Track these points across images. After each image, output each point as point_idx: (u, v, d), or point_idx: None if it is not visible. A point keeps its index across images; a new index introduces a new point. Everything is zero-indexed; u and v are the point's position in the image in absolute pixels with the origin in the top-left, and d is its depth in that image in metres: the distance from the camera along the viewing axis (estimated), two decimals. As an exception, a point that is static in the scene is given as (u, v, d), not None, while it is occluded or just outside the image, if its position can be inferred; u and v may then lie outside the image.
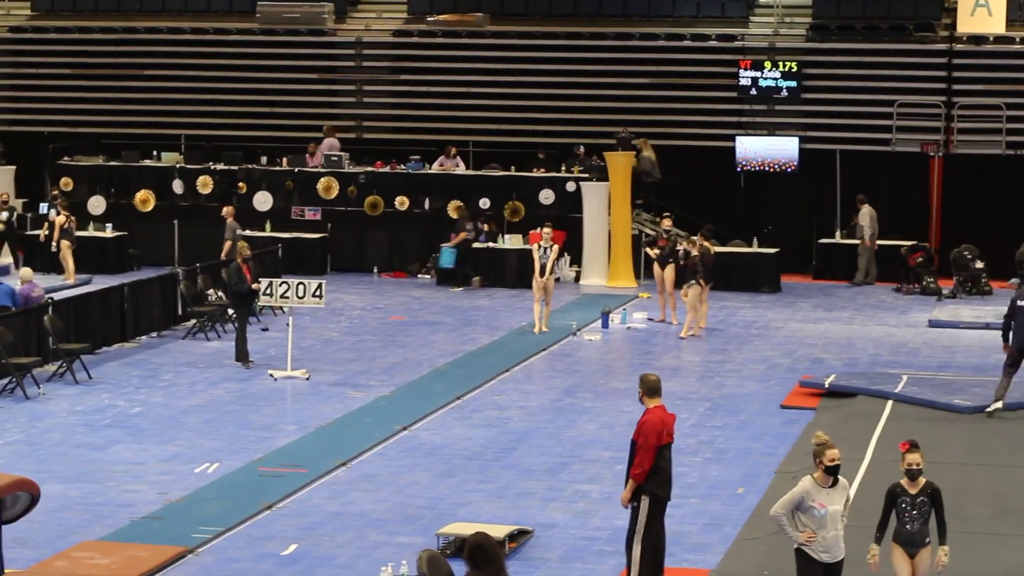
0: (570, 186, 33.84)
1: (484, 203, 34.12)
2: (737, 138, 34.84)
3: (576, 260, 33.51)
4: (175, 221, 34.82)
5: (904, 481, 12.19)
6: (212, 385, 22.71)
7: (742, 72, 34.86)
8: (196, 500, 16.61)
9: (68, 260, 31.79)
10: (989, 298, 31.57)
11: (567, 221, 33.41)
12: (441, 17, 36.75)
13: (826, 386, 22.00)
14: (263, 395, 22.09)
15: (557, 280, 30.42)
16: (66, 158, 36.37)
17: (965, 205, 34.33)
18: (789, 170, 34.59)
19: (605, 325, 27.81)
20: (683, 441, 18.17)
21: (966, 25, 34.12)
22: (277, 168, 35.21)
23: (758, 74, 34.80)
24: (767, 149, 34.73)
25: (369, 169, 34.95)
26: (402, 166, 35.04)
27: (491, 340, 26.59)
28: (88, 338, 24.14)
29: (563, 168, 34.60)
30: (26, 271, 25.70)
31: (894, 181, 34.78)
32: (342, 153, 35.19)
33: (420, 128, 36.65)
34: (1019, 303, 20.78)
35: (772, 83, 34.77)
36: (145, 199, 35.12)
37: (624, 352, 26.12)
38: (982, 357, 25.45)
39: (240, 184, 34.99)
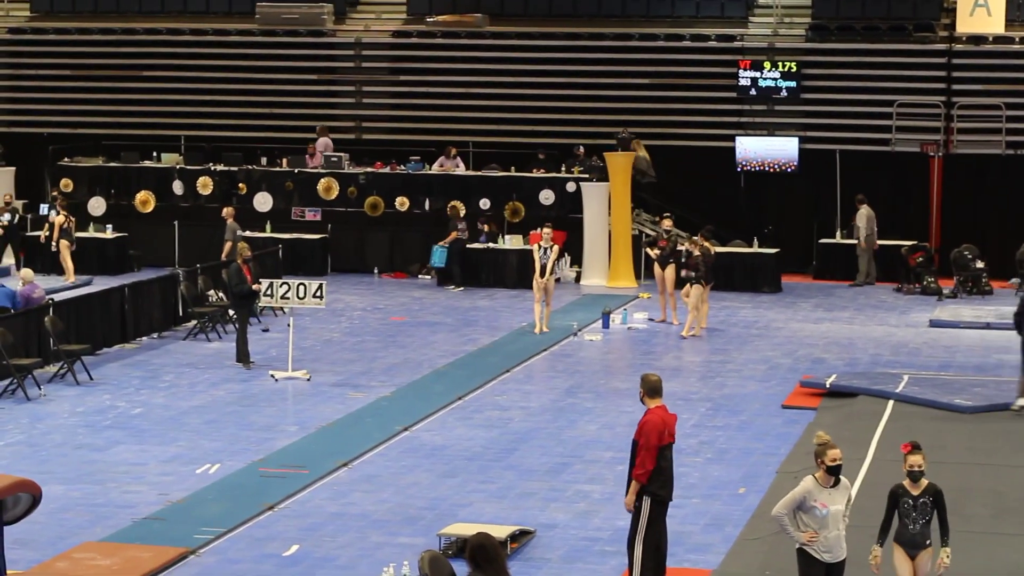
0: (570, 186, 33.84)
1: (484, 204, 34.12)
2: (737, 138, 34.85)
3: (576, 260, 33.51)
4: (175, 222, 34.82)
5: (906, 482, 12.19)
6: (213, 386, 22.71)
7: (742, 72, 34.87)
8: (197, 501, 16.62)
9: (67, 260, 31.81)
10: (990, 298, 31.60)
11: (567, 221, 33.41)
12: (440, 18, 36.76)
13: (827, 386, 22.00)
14: (264, 396, 22.09)
15: (557, 280, 30.42)
16: (66, 159, 36.38)
17: (965, 205, 34.34)
18: (789, 170, 34.59)
19: (606, 325, 27.82)
20: (684, 441, 18.17)
21: (965, 25, 34.13)
22: (277, 169, 35.22)
23: (758, 74, 34.81)
24: (767, 149, 34.74)
25: (369, 170, 34.96)
26: (402, 167, 35.05)
27: (492, 340, 26.59)
28: (89, 339, 24.15)
29: (563, 168, 34.60)
30: (27, 272, 25.69)
31: (894, 181, 34.78)
32: (342, 154, 35.19)
33: (420, 129, 36.66)
34: None
35: (772, 83, 34.78)
36: (145, 200, 35.12)
37: (625, 352, 26.12)
38: (983, 357, 25.46)
39: (240, 185, 34.99)
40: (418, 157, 35.22)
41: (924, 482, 12.17)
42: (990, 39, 34.50)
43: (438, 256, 32.97)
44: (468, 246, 33.09)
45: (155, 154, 36.27)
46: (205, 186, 34.98)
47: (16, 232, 33.37)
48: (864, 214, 33.03)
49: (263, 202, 34.78)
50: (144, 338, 26.24)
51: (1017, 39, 34.52)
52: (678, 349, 26.20)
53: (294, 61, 37.25)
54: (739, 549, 15.10)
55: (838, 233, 34.20)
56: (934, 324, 28.51)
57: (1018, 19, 34.68)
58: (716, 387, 23.02)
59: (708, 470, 18.22)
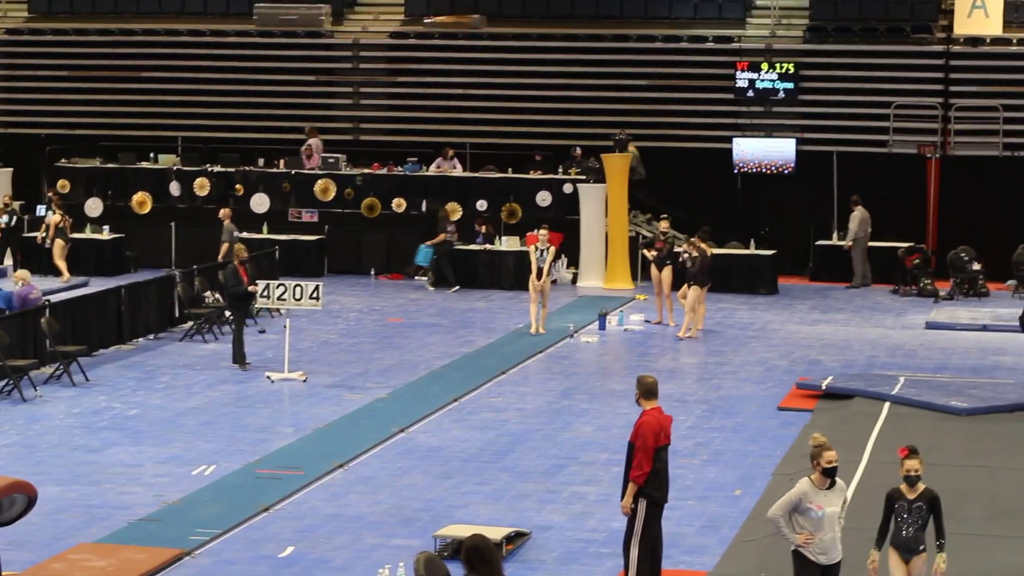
0: (567, 188, 33.85)
1: (481, 205, 34.12)
2: (734, 140, 34.85)
3: (573, 262, 33.50)
4: (172, 223, 34.81)
5: (903, 486, 12.19)
6: (209, 387, 22.70)
7: (739, 74, 34.88)
8: (193, 502, 16.61)
9: (60, 260, 31.83)
10: (986, 300, 31.62)
11: (564, 223, 33.40)
12: (438, 19, 36.76)
13: (823, 388, 22.01)
14: (260, 397, 22.08)
15: (554, 282, 30.42)
16: (63, 160, 36.37)
17: (962, 207, 34.35)
18: (786, 172, 34.59)
19: (602, 327, 27.81)
20: (680, 443, 18.16)
21: (963, 27, 34.13)
22: (274, 170, 35.21)
23: (755, 76, 34.81)
24: (764, 151, 34.73)
25: (366, 171, 34.95)
26: (399, 168, 35.05)
27: (488, 342, 26.59)
28: (85, 340, 24.14)
29: (560, 170, 34.60)
30: (23, 273, 25.67)
31: (891, 183, 34.78)
32: (339, 155, 35.19)
33: (417, 130, 36.66)
34: None
35: (769, 85, 34.78)
36: (142, 201, 35.11)
37: (621, 354, 26.12)
38: (979, 359, 25.46)
39: (237, 186, 34.98)
40: (415, 158, 35.22)
41: (921, 486, 12.17)
42: (988, 41, 34.51)
43: (423, 255, 33.01)
44: (466, 247, 33.07)
45: (152, 155, 36.28)
46: (202, 187, 34.98)
47: (14, 233, 33.36)
48: (858, 216, 33.03)
49: (260, 203, 34.77)
50: (140, 339, 26.24)
51: (1015, 41, 34.53)
52: (674, 351, 26.20)
53: (291, 62, 37.25)
54: (735, 551, 15.10)
55: (835, 235, 34.20)
56: (930, 326, 28.51)
57: (1016, 21, 34.70)
58: (712, 389, 23.02)
59: (704, 472, 18.22)
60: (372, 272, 34.41)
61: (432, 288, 32.64)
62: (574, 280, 33.34)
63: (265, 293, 23.83)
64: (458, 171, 35.26)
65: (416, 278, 33.74)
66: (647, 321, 28.43)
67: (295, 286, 23.65)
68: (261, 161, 35.61)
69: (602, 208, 33.10)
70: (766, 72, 34.76)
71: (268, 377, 23.21)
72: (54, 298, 26.00)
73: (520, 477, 17.90)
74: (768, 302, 31.46)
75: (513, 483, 17.63)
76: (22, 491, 9.65)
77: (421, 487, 17.40)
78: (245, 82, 37.20)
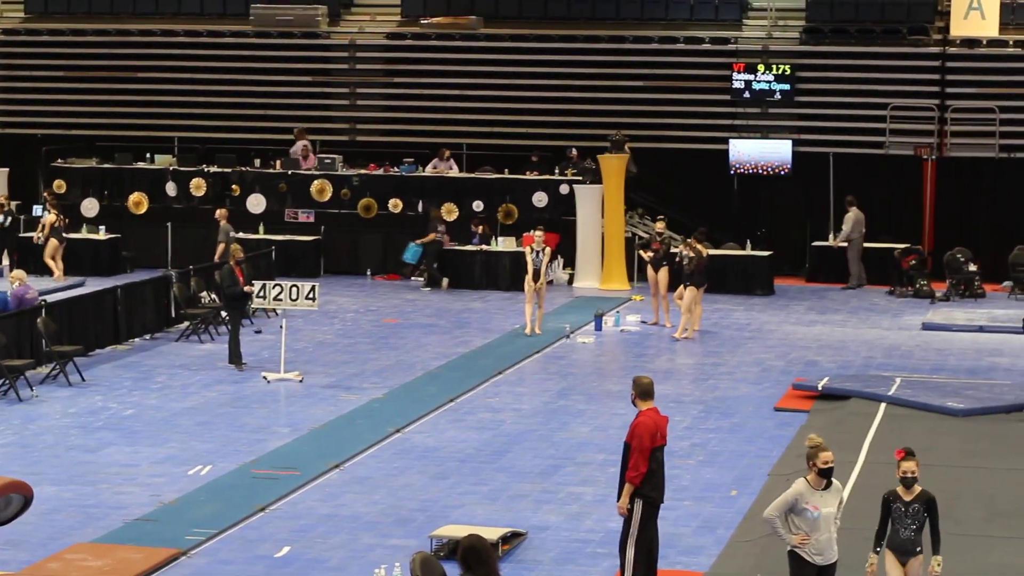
0: (563, 189, 33.85)
1: (478, 206, 34.12)
2: (730, 141, 34.85)
3: (570, 263, 33.50)
4: (168, 223, 34.78)
5: (899, 488, 12.19)
6: (205, 387, 22.70)
7: (735, 75, 34.88)
8: (189, 502, 16.61)
9: (51, 259, 31.85)
10: (982, 301, 31.62)
11: (560, 224, 33.40)
12: (434, 20, 36.75)
13: (819, 389, 22.01)
14: (256, 397, 22.08)
15: (550, 283, 30.45)
16: (59, 160, 36.34)
17: (958, 208, 34.36)
18: (782, 173, 34.59)
19: (598, 328, 27.81)
20: (676, 444, 18.17)
21: (959, 28, 34.12)
22: (271, 171, 35.19)
23: (751, 77, 34.82)
24: (760, 152, 34.74)
25: (363, 172, 34.93)
26: (395, 169, 35.03)
27: (484, 343, 26.59)
28: (81, 340, 24.13)
29: (556, 171, 34.60)
30: (19, 273, 25.65)
31: (887, 184, 34.78)
32: (335, 156, 35.18)
33: (414, 131, 36.64)
34: None
35: (765, 86, 34.78)
36: (138, 201, 35.09)
37: (617, 355, 26.12)
38: (975, 360, 25.47)
39: (233, 186, 34.96)
40: (412, 159, 35.21)
41: (917, 488, 12.17)
42: (984, 42, 34.51)
43: (411, 253, 33.02)
44: (462, 248, 33.08)
45: (148, 155, 36.26)
46: (198, 187, 34.96)
47: (10, 233, 33.34)
48: (852, 217, 33.03)
49: (256, 204, 34.75)
50: (136, 339, 26.22)
51: (1011, 42, 34.53)
52: (671, 351, 26.20)
53: (288, 63, 37.23)
54: (731, 551, 15.11)
55: (831, 236, 34.18)
56: (927, 327, 28.52)
57: (1012, 22, 34.70)
58: (708, 389, 23.02)
59: (700, 472, 18.23)
60: (368, 272, 34.39)
61: (427, 289, 32.64)
62: (570, 281, 33.34)
63: (261, 293, 23.82)
64: (454, 172, 35.26)
65: (412, 279, 33.72)
66: (643, 322, 28.43)
67: (291, 286, 23.64)
68: (257, 162, 35.59)
69: (598, 209, 33.09)
70: (762, 73, 34.77)
71: (264, 377, 23.21)
72: (50, 298, 25.97)
73: (516, 477, 17.90)
74: (764, 303, 31.46)
75: (509, 483, 17.63)
76: (18, 491, 9.65)
77: (417, 487, 17.40)
78: (242, 83, 37.18)
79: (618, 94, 35.66)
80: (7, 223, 33.33)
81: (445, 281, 32.58)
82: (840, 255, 33.47)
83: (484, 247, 33.08)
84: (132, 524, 15.79)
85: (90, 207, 35.17)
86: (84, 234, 33.84)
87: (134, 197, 35.12)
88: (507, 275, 32.42)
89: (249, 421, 20.56)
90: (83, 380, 22.84)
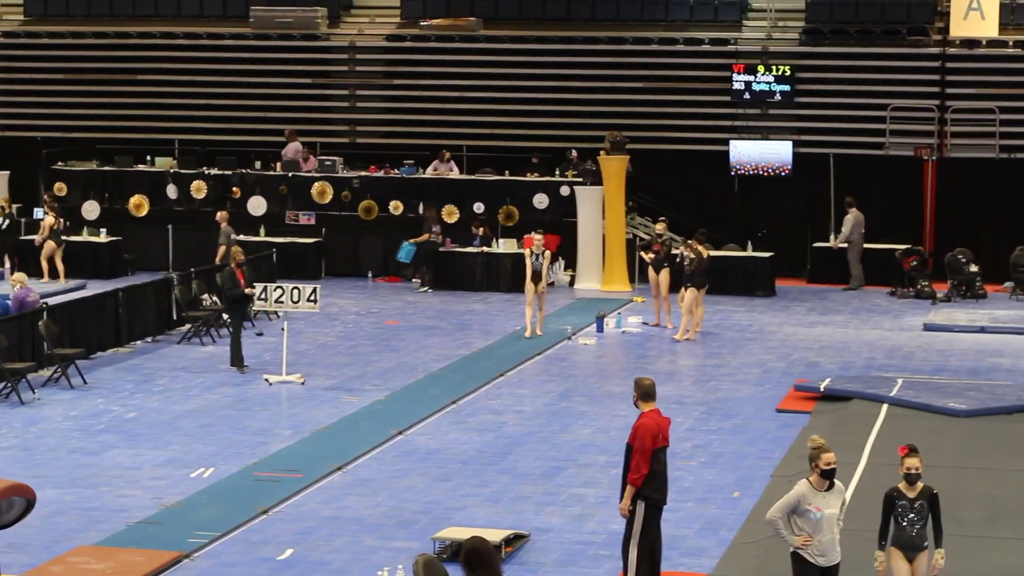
0: (564, 190, 33.85)
1: (478, 207, 34.11)
2: (731, 142, 34.84)
3: (571, 264, 33.50)
4: (169, 226, 34.79)
5: (902, 485, 12.20)
6: (207, 390, 22.70)
7: (735, 76, 34.88)
8: (191, 505, 16.61)
9: (44, 262, 31.87)
10: (983, 302, 31.62)
11: (561, 225, 33.41)
12: (434, 22, 36.74)
13: (821, 390, 22.01)
14: (258, 400, 22.08)
15: (551, 285, 30.47)
16: (60, 163, 36.34)
17: (959, 208, 34.37)
18: (783, 174, 34.59)
19: (600, 329, 27.81)
20: (678, 445, 18.17)
21: (959, 29, 34.11)
22: (271, 173, 35.19)
23: (751, 78, 34.81)
24: (761, 153, 34.73)
25: (363, 174, 34.93)
26: (396, 171, 35.03)
27: (486, 344, 26.59)
28: (83, 343, 24.14)
29: (557, 172, 34.60)
30: (20, 276, 25.64)
31: (888, 185, 34.78)
32: (336, 158, 35.18)
33: (414, 132, 36.64)
34: None
35: (765, 87, 34.78)
36: (139, 204, 35.09)
37: (619, 356, 26.12)
38: (977, 361, 25.47)
39: (234, 189, 34.96)
40: (412, 161, 35.20)
41: (920, 485, 12.19)
42: (983, 43, 34.51)
43: (404, 252, 33.03)
44: (462, 250, 33.08)
45: (149, 158, 36.24)
46: (199, 190, 34.97)
47: (10, 236, 33.34)
48: (851, 218, 33.03)
49: (257, 206, 34.75)
50: (138, 342, 26.23)
51: (1010, 43, 34.53)
52: (672, 353, 26.20)
53: (288, 65, 37.23)
54: (733, 553, 15.11)
55: (832, 237, 34.18)
56: (928, 328, 28.52)
57: (1012, 23, 34.69)
58: (710, 391, 23.02)
59: (702, 474, 18.23)
60: (369, 274, 34.40)
61: (424, 290, 32.63)
62: (571, 282, 33.34)
63: (263, 296, 23.83)
64: (455, 174, 35.25)
65: (413, 280, 33.72)
66: (645, 323, 28.44)
67: (292, 289, 23.64)
68: (258, 164, 35.58)
69: (599, 210, 33.09)
70: (762, 74, 34.76)
71: (266, 380, 23.21)
72: (52, 301, 25.97)
73: (519, 479, 17.90)
74: (766, 304, 31.46)
75: (512, 485, 17.64)
76: (21, 494, 9.64)
77: (420, 489, 17.40)
78: (241, 85, 37.17)
79: (618, 95, 35.65)
80: (5, 226, 33.29)
81: (425, 288, 32.63)
82: (841, 256, 33.46)
83: (485, 249, 33.08)
84: (134, 527, 15.80)
85: (91, 210, 35.16)
86: (85, 237, 33.85)
87: (135, 200, 35.12)
88: (508, 277, 32.42)
89: (251, 423, 20.57)
90: (85, 383, 22.84)
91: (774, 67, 34.74)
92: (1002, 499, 16.95)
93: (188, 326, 26.84)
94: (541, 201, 33.99)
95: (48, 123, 38.05)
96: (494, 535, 14.67)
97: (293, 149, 35.37)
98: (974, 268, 32.21)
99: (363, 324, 28.67)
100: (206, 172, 35.21)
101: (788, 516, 11.92)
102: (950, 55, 34.69)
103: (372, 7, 38.60)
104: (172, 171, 35.44)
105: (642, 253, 29.66)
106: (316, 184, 34.64)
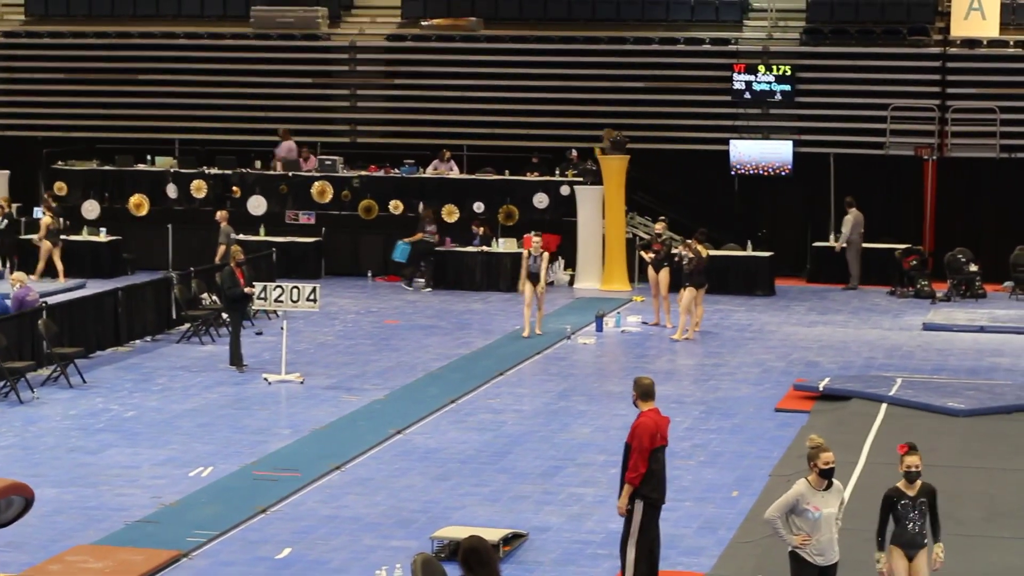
0: (564, 190, 33.85)
1: (478, 207, 34.12)
2: (731, 142, 34.85)
3: (570, 264, 33.50)
4: (169, 225, 34.79)
5: (902, 484, 12.19)
6: (206, 389, 22.70)
7: (736, 76, 34.88)
8: (190, 504, 16.61)
9: (43, 261, 31.88)
10: (983, 301, 31.63)
11: (561, 225, 33.42)
12: (435, 21, 36.75)
13: (820, 389, 22.01)
14: (257, 399, 22.08)
15: (551, 284, 30.49)
16: (60, 162, 36.35)
17: (959, 208, 34.36)
18: (783, 174, 34.59)
19: (599, 328, 27.81)
20: (677, 444, 18.17)
21: (960, 29, 34.11)
22: (271, 172, 35.20)
23: (752, 78, 34.82)
24: (761, 153, 34.74)
25: (363, 173, 34.94)
26: (396, 170, 35.04)
27: (485, 344, 26.59)
28: (82, 342, 24.14)
29: (557, 172, 34.61)
30: (19, 275, 25.64)
31: (888, 185, 34.80)
32: (336, 157, 35.19)
33: (414, 132, 36.65)
34: None
35: (766, 87, 34.78)
36: (139, 203, 35.10)
37: (618, 355, 26.12)
38: (976, 360, 25.47)
39: (234, 188, 34.96)
40: (412, 160, 35.21)
41: (919, 483, 12.19)
42: (984, 43, 34.52)
43: (400, 251, 33.04)
44: (462, 249, 33.09)
45: (149, 157, 36.26)
46: (199, 189, 34.97)
47: (10, 235, 33.35)
48: (851, 219, 33.02)
49: (257, 205, 34.76)
50: (137, 341, 26.23)
51: (1011, 43, 34.54)
52: (671, 352, 26.20)
53: (288, 65, 37.24)
54: (732, 552, 15.11)
55: (832, 237, 34.18)
56: (927, 327, 28.52)
57: (1012, 23, 34.71)
58: (709, 390, 23.02)
59: (701, 473, 18.23)
60: (369, 274, 34.40)
61: (429, 288, 32.68)
62: (571, 282, 33.35)
63: (262, 295, 23.83)
64: (455, 173, 35.26)
65: (415, 280, 33.71)
66: (644, 323, 28.44)
67: (292, 288, 23.64)
68: (258, 163, 35.60)
69: (599, 210, 33.10)
70: (763, 74, 34.77)
71: (265, 379, 23.21)
72: (51, 300, 25.97)
73: (517, 478, 17.90)
74: (765, 303, 31.46)
75: (510, 484, 17.64)
76: (19, 493, 9.64)
77: (418, 488, 17.40)
78: (242, 85, 37.18)
79: (619, 95, 35.66)
80: (4, 225, 33.28)
81: (415, 279, 32.73)
82: (840, 256, 33.45)
83: (485, 248, 33.08)
84: (133, 526, 15.80)
85: (91, 209, 35.17)
86: (85, 236, 33.85)
87: (135, 199, 35.13)
88: (508, 276, 32.42)
89: (250, 423, 20.57)
90: (84, 382, 22.84)
91: (775, 67, 34.76)
92: (1001, 498, 16.94)
93: (187, 325, 26.84)
94: (541, 201, 34.00)
95: (48, 122, 38.07)
96: (492, 534, 14.67)
97: (286, 148, 35.38)
98: (974, 268, 32.22)
99: (362, 323, 28.67)
100: (206, 171, 35.22)
101: (786, 515, 11.92)
102: (951, 55, 34.69)
103: (373, 7, 38.61)
104: (172, 170, 35.45)
105: (642, 252, 29.66)
106: (316, 184, 34.65)
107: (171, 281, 27.53)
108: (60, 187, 35.42)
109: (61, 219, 32.88)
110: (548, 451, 19.22)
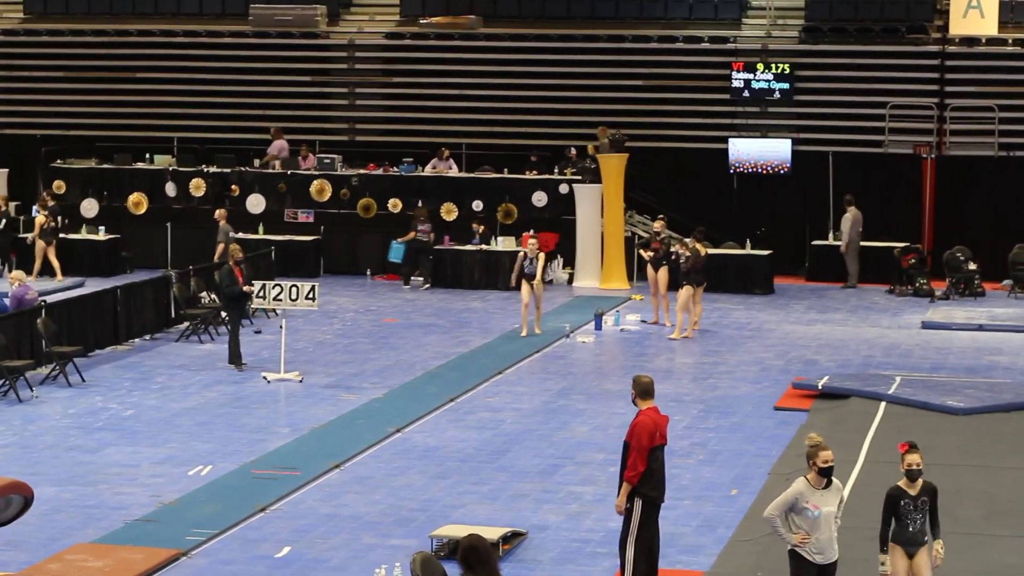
0: (563, 188, 33.85)
1: (477, 205, 34.12)
2: (730, 140, 34.85)
3: (569, 262, 33.50)
4: (168, 224, 34.79)
5: (903, 483, 12.20)
6: (205, 387, 22.70)
7: (735, 74, 34.88)
8: (189, 502, 16.61)
9: (39, 260, 31.89)
10: (982, 300, 31.63)
11: (560, 223, 33.43)
12: (434, 19, 36.75)
13: (819, 388, 22.01)
14: (256, 397, 22.08)
15: (550, 282, 30.50)
16: (59, 161, 36.33)
17: (958, 207, 34.36)
18: (782, 172, 34.60)
19: (598, 327, 27.81)
20: (676, 443, 18.17)
21: (958, 27, 34.11)
22: (270, 171, 35.19)
23: (751, 76, 34.82)
24: (760, 151, 34.74)
25: (362, 171, 34.93)
26: (395, 168, 35.04)
27: (484, 342, 26.59)
28: (81, 341, 24.13)
29: (555, 170, 34.61)
30: (18, 274, 25.64)
31: (887, 183, 34.79)
32: (334, 156, 35.19)
33: (413, 130, 36.65)
34: None
35: (765, 85, 34.78)
36: (138, 202, 35.09)
37: (617, 354, 26.12)
38: (975, 359, 25.47)
39: (233, 187, 34.96)
40: (411, 159, 35.21)
41: (920, 481, 12.20)
42: (983, 41, 34.52)
43: (395, 251, 33.06)
44: (461, 248, 33.09)
45: (148, 156, 36.27)
46: (198, 188, 34.96)
47: (8, 234, 33.34)
48: (850, 217, 33.01)
49: (256, 204, 34.75)
50: (136, 340, 26.23)
51: (1010, 41, 34.54)
52: (670, 351, 26.20)
53: (287, 63, 37.23)
54: (731, 550, 15.11)
55: (831, 235, 34.19)
56: (926, 326, 28.52)
57: (1011, 21, 34.70)
58: (708, 389, 23.02)
59: (700, 471, 18.23)
60: (368, 272, 34.40)
61: (428, 286, 32.69)
62: (570, 280, 33.34)
63: (261, 294, 23.82)
64: (454, 171, 35.26)
65: (413, 278, 33.71)
66: (643, 321, 28.44)
67: (291, 286, 23.63)
68: (257, 162, 35.60)
69: (598, 208, 33.10)
70: (762, 72, 34.77)
71: (264, 377, 23.21)
72: (50, 299, 25.97)
73: (516, 477, 17.90)
74: (764, 302, 31.46)
75: (509, 483, 17.64)
76: (18, 491, 9.64)
77: (417, 487, 17.40)
78: (241, 83, 37.18)
79: (617, 93, 35.66)
80: (2, 224, 33.27)
81: (412, 277, 32.81)
82: (839, 254, 33.45)
83: (484, 247, 33.08)
84: (132, 524, 15.80)
85: (89, 207, 35.16)
86: (84, 235, 33.84)
87: (133, 197, 35.12)
88: (507, 275, 32.31)
89: (249, 421, 20.57)
90: (83, 381, 22.84)
91: (773, 65, 34.76)
92: (1000, 497, 16.95)
93: (186, 324, 26.84)
94: (540, 199, 34.00)
95: (47, 121, 38.06)
96: (492, 533, 14.67)
97: (278, 147, 35.38)
98: (973, 266, 32.23)
99: (361, 322, 28.67)
100: (205, 170, 35.21)
101: (786, 514, 11.92)
102: (949, 53, 34.70)
103: (371, 5, 38.61)
104: (171, 169, 35.44)
105: (641, 251, 29.66)
106: (315, 182, 34.65)
107: (170, 280, 27.52)
108: (59, 185, 35.41)
109: (58, 218, 32.87)
110: (547, 449, 19.22)
